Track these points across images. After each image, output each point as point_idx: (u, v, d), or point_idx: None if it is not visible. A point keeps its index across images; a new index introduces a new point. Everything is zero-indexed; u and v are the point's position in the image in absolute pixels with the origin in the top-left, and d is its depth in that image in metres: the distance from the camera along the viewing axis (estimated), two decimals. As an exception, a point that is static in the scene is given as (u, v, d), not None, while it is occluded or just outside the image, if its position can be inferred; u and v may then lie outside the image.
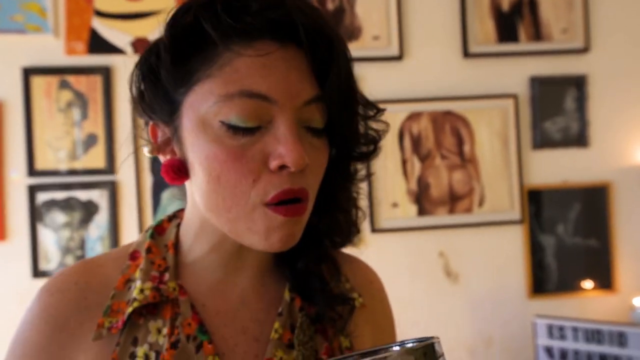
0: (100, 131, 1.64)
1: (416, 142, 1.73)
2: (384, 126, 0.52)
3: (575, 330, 1.44)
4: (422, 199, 1.72)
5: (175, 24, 0.45)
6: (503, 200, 1.74)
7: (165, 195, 1.65)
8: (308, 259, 0.52)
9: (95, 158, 1.63)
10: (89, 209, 1.63)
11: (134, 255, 0.52)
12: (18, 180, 1.60)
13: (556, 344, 1.47)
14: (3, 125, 1.60)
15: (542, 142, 1.76)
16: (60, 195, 1.62)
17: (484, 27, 1.75)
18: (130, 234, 1.63)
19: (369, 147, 0.51)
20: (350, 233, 0.55)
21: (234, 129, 0.43)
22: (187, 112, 0.45)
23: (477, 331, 1.70)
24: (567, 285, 1.75)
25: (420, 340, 0.36)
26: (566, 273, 1.76)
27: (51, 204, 1.61)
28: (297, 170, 0.43)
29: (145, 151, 0.49)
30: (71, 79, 1.63)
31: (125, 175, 1.64)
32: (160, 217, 0.56)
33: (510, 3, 1.76)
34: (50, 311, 0.48)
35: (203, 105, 0.44)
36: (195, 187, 0.47)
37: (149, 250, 0.51)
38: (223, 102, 0.43)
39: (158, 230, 0.54)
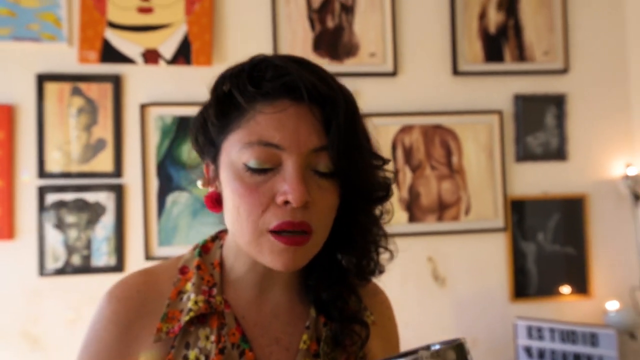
0: (109, 136, 1.65)
1: (408, 153, 1.78)
2: (390, 174, 0.57)
3: (552, 331, 1.49)
4: (412, 207, 1.76)
5: (216, 89, 0.54)
6: (488, 209, 1.79)
7: (170, 198, 1.67)
8: (331, 293, 0.56)
9: (104, 162, 1.65)
10: (96, 211, 1.64)
11: (183, 270, 0.57)
12: (28, 182, 1.61)
13: (535, 344, 1.52)
14: (16, 128, 1.60)
15: (525, 155, 1.81)
16: (68, 196, 1.62)
17: (472, 48, 1.81)
18: (135, 236, 1.64)
19: (380, 192, 0.55)
20: (373, 273, 0.58)
21: (251, 170, 0.50)
22: (223, 155, 0.53)
23: (463, 332, 1.74)
24: (546, 290, 1.80)
25: (446, 342, 0.41)
26: (545, 278, 1.80)
27: (60, 205, 1.62)
28: (298, 205, 0.48)
29: (199, 184, 0.57)
30: (83, 86, 1.64)
31: (132, 178, 1.66)
32: (204, 238, 0.61)
33: (496, 26, 1.83)
34: (118, 315, 0.54)
35: (233, 150, 0.51)
36: (226, 216, 0.54)
37: (198, 267, 0.57)
38: (245, 149, 0.50)
39: (204, 250, 0.59)
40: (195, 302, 0.53)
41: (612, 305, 1.70)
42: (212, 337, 0.53)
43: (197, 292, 0.54)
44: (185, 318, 0.53)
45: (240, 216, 0.50)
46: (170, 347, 0.52)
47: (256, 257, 0.52)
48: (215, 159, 0.54)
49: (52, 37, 1.62)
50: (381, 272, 0.59)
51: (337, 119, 0.50)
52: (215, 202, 0.54)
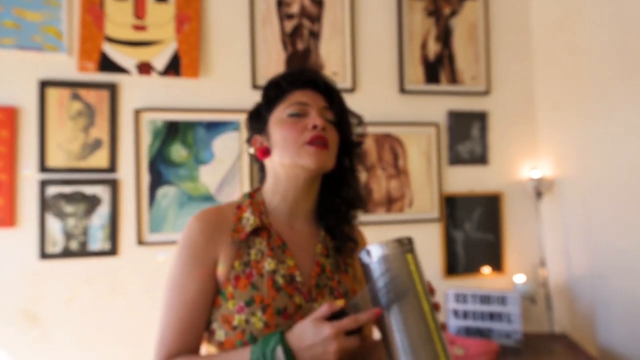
0: (105, 137, 1.83)
1: (363, 157, 2.10)
2: (362, 129, 0.92)
3: (474, 296, 1.86)
4: (366, 201, 2.08)
5: (268, 86, 0.91)
6: (426, 203, 2.14)
7: (160, 192, 1.88)
8: (335, 219, 0.88)
9: (100, 159, 1.83)
10: (93, 202, 1.82)
11: (239, 207, 0.86)
12: (30, 176, 1.76)
13: (460, 307, 1.88)
14: (19, 128, 1.75)
15: (455, 160, 2.17)
16: (67, 189, 1.78)
17: (415, 71, 2.16)
18: (128, 224, 1.83)
19: (360, 138, 0.91)
20: (362, 202, 0.91)
21: (292, 115, 0.86)
22: (272, 120, 0.88)
23: (405, 304, 2.07)
24: (471, 268, 2.16)
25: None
26: (471, 259, 2.17)
27: (59, 197, 1.78)
28: (320, 127, 0.83)
29: (251, 151, 0.91)
30: (82, 92, 1.81)
31: (125, 174, 1.86)
32: (249, 191, 0.91)
33: (434, 54, 2.19)
34: (203, 229, 0.82)
35: (278, 113, 0.88)
36: (276, 151, 0.86)
37: (251, 204, 0.86)
38: (287, 107, 0.87)
39: (251, 196, 0.88)
40: (254, 220, 0.84)
41: (519, 279, 2.10)
42: (264, 243, 0.83)
43: (254, 216, 0.85)
44: (248, 229, 0.83)
45: (287, 140, 0.84)
46: (238, 249, 0.82)
47: (299, 162, 0.82)
48: (263, 128, 0.89)
49: (53, 47, 1.78)
50: (365, 208, 0.92)
51: (335, 95, 0.90)
52: (265, 152, 0.87)
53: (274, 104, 0.88)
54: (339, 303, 0.73)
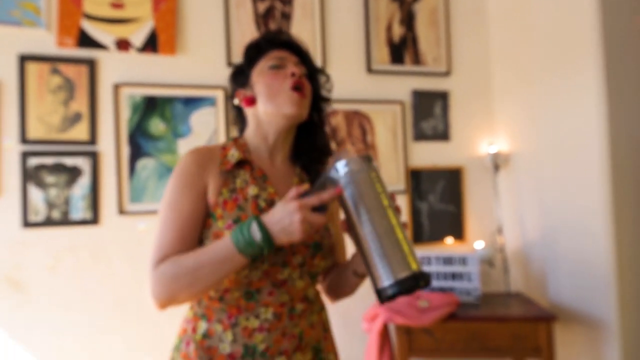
0: (85, 110, 1.89)
1: (333, 132, 2.22)
2: (330, 86, 1.04)
3: (437, 258, 2.01)
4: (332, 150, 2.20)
5: (249, 47, 1.02)
6: (393, 176, 2.27)
7: (140, 164, 1.95)
8: (309, 158, 1.00)
9: (80, 132, 1.88)
10: (74, 173, 1.87)
11: (224, 147, 0.96)
12: (11, 147, 1.80)
13: (425, 269, 2.03)
14: (0, 101, 1.80)
15: (420, 136, 2.31)
16: (48, 160, 1.83)
17: (381, 52, 2.29)
18: (109, 194, 1.90)
19: (328, 92, 1.03)
20: (329, 150, 1.02)
21: (272, 67, 0.96)
22: (254, 74, 0.99)
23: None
24: (436, 237, 2.31)
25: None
26: (435, 229, 2.32)
27: (41, 168, 1.82)
28: (298, 74, 0.94)
29: (235, 102, 1.01)
30: (61, 66, 1.86)
31: (106, 146, 1.92)
32: (231, 138, 1.00)
33: (399, 37, 2.33)
34: (195, 159, 0.92)
35: (260, 67, 0.99)
36: (260, 100, 0.96)
37: (234, 144, 0.96)
38: (268, 61, 0.98)
39: (234, 140, 0.98)
40: (238, 155, 0.95)
41: (479, 245, 2.27)
42: (247, 174, 0.95)
43: (238, 152, 0.96)
44: (233, 161, 0.94)
45: (272, 87, 0.94)
46: (225, 178, 0.93)
47: (282, 109, 0.93)
48: (246, 82, 0.99)
49: (32, 23, 1.83)
50: (330, 154, 1.02)
51: (306, 55, 1.02)
52: (250, 101, 0.98)
53: (255, 61, 0.99)
54: (305, 186, 0.84)
